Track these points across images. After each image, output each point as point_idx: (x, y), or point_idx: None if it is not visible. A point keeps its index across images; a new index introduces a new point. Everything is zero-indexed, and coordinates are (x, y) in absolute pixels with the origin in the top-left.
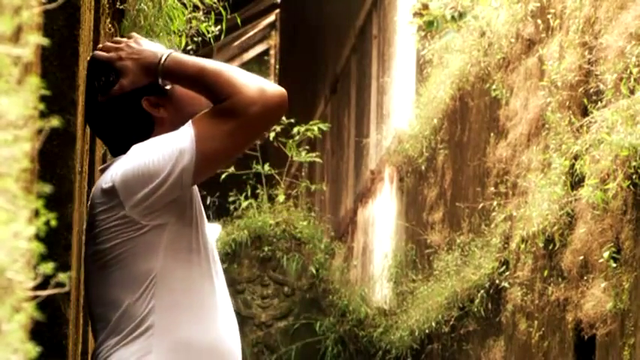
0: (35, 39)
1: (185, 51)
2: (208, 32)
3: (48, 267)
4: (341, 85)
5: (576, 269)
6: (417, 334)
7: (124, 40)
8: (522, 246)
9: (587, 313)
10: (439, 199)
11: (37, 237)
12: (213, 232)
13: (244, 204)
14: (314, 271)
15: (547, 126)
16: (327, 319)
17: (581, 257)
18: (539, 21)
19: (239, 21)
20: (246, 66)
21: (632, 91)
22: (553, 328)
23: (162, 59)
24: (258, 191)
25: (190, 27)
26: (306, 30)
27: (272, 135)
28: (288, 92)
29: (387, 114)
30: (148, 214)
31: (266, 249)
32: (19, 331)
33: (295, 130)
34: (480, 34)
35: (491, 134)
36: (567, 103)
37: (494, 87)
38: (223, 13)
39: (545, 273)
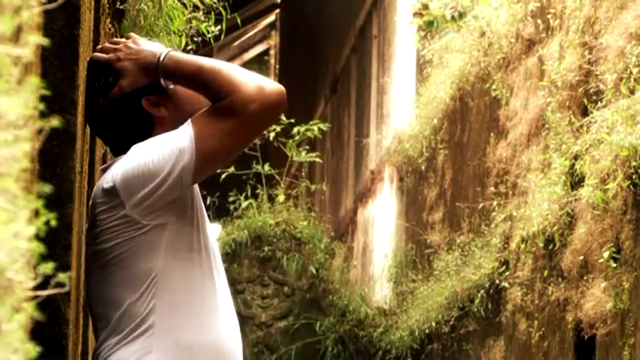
0: (35, 39)
1: (185, 51)
2: (208, 32)
3: (48, 267)
4: (341, 85)
5: (576, 269)
6: (417, 334)
7: (122, 40)
8: (522, 246)
9: (587, 313)
10: (439, 199)
11: (37, 237)
12: (213, 232)
13: (244, 204)
14: (314, 271)
15: (547, 126)
16: (327, 319)
17: (581, 257)
18: (539, 21)
19: (239, 21)
20: (246, 66)
21: (632, 91)
22: (553, 328)
23: (161, 58)
24: (258, 191)
25: (190, 27)
26: (306, 30)
27: (272, 135)
28: (288, 92)
29: (387, 114)
30: (149, 214)
31: (266, 249)
32: (19, 331)
33: (295, 130)
34: (480, 34)
35: (491, 134)
36: (567, 103)
37: (494, 87)
38: (223, 13)
39: (545, 273)
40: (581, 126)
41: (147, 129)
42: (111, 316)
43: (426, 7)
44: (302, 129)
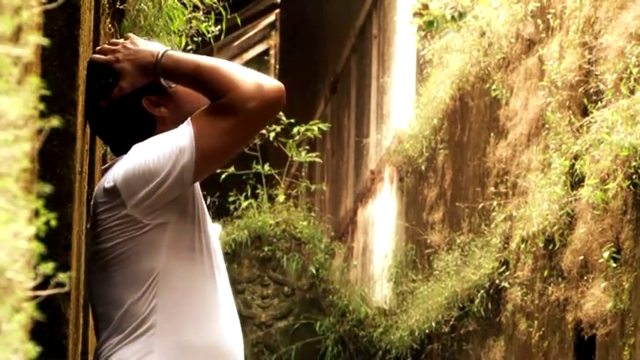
0: (35, 39)
1: (185, 51)
2: (208, 32)
3: (48, 267)
4: (341, 85)
5: (576, 269)
6: (417, 334)
7: (121, 41)
8: (522, 246)
9: (587, 313)
10: (439, 199)
11: (37, 237)
12: (213, 232)
13: (244, 204)
14: (314, 271)
15: (547, 126)
16: (327, 319)
17: (581, 257)
18: (539, 21)
19: (239, 21)
20: (246, 66)
21: (632, 91)
22: (553, 328)
23: (159, 58)
24: (258, 191)
25: (190, 27)
26: (306, 30)
27: (272, 135)
28: (288, 92)
29: (387, 114)
30: (150, 213)
31: (266, 249)
32: (19, 331)
33: (295, 130)
34: (480, 34)
35: (491, 134)
36: (567, 103)
37: (494, 87)
38: (223, 13)
39: (545, 273)
40: (581, 126)
41: (148, 129)
42: (112, 316)
43: (426, 7)
44: (302, 129)
